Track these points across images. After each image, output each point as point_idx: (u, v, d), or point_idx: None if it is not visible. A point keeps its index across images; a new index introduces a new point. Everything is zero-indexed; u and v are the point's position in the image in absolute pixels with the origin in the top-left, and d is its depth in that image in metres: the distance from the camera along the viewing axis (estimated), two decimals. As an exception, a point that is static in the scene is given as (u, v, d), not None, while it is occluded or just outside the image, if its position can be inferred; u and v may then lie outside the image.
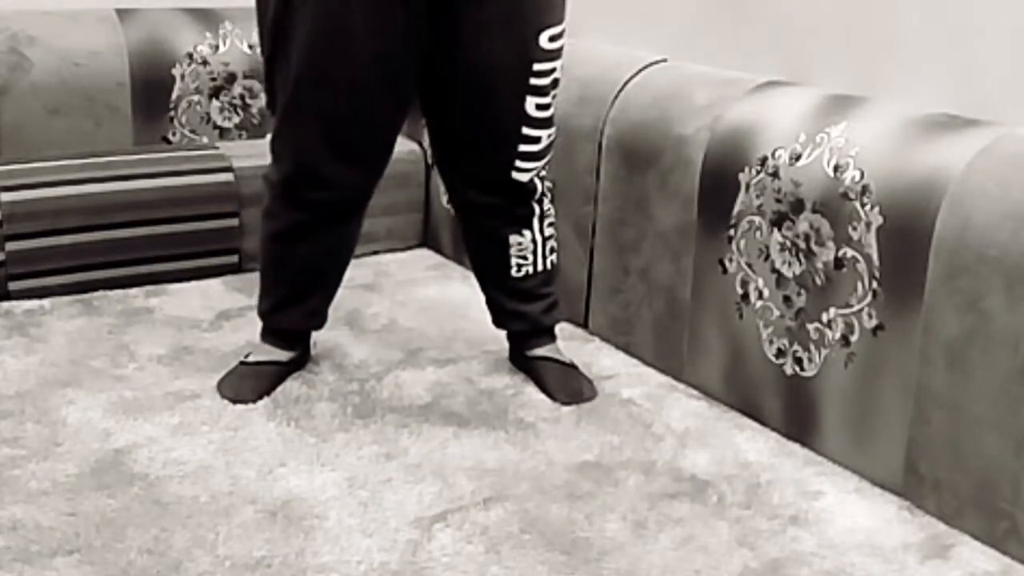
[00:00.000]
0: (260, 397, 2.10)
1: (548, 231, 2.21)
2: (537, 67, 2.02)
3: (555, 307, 2.27)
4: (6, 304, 2.50)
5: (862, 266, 1.88)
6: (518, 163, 2.09)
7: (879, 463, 1.89)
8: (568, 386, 2.18)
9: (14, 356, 2.25)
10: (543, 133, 2.08)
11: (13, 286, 2.53)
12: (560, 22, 2.04)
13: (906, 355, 1.82)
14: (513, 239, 2.18)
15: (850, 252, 1.90)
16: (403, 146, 2.96)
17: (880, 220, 1.84)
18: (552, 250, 2.23)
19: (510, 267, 2.20)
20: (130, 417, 2.02)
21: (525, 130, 2.06)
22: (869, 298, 1.87)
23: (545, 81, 2.04)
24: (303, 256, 2.14)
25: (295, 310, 2.18)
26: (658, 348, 2.32)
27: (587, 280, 2.50)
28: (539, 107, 2.05)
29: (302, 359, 2.24)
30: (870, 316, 1.88)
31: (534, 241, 2.19)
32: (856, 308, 1.90)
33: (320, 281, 2.19)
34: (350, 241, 2.20)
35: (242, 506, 1.76)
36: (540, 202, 2.18)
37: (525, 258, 2.20)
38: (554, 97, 2.09)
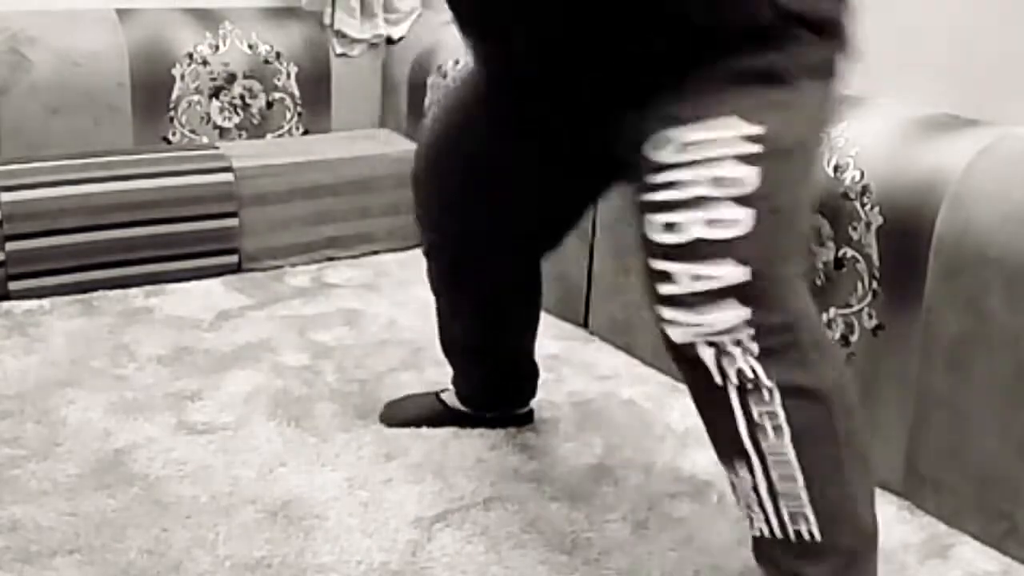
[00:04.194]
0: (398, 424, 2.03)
1: (782, 487, 1.34)
2: None
3: None
4: (6, 304, 2.50)
5: (862, 266, 1.88)
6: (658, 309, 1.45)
7: (879, 463, 1.88)
8: None
9: (14, 356, 2.25)
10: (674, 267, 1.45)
11: (13, 286, 2.53)
12: None
13: (906, 355, 1.82)
14: (728, 472, 1.40)
15: (850, 252, 1.90)
16: (403, 145, 2.96)
17: (880, 220, 1.84)
18: (796, 515, 1.35)
19: (744, 512, 1.43)
20: (130, 417, 2.02)
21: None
22: (869, 298, 1.87)
23: None
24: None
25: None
26: (658, 348, 2.30)
27: (587, 280, 2.50)
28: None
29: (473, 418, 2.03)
30: (870, 316, 1.87)
31: (756, 489, 1.36)
32: (856, 308, 1.90)
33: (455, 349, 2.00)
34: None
35: (242, 506, 1.76)
36: (748, 415, 1.34)
37: (752, 509, 1.38)
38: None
